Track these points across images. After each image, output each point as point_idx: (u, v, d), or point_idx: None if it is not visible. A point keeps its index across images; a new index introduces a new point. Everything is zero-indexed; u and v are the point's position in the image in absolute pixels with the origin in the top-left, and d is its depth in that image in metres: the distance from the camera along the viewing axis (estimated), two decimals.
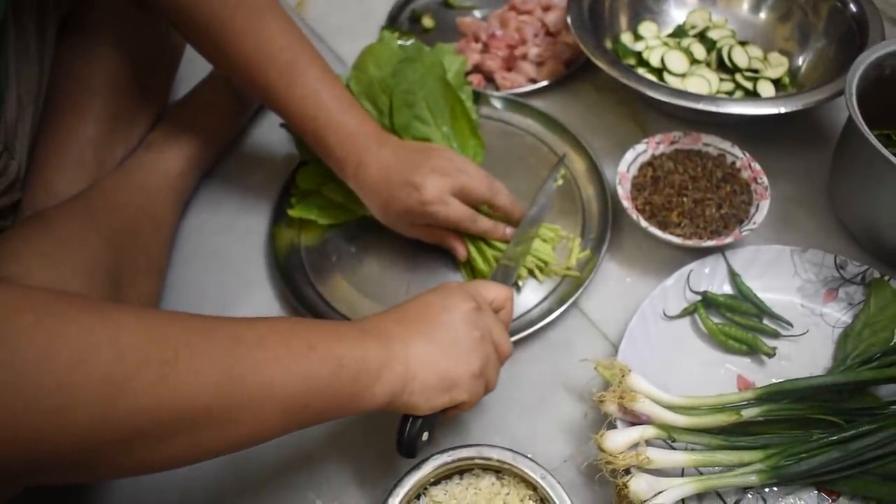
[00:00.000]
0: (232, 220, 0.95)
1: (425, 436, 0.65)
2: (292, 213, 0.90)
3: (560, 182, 0.94)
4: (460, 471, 0.69)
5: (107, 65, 0.87)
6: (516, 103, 1.03)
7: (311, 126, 0.80)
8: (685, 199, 0.86)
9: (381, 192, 0.81)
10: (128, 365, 0.44)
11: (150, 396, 0.45)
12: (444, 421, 0.73)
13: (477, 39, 1.11)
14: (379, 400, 0.59)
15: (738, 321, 0.81)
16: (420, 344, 0.62)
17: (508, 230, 0.85)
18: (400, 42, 0.93)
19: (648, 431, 0.70)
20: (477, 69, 1.08)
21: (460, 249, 0.85)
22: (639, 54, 1.04)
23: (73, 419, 0.42)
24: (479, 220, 0.83)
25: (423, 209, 0.79)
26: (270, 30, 0.78)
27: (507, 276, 0.81)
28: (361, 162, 0.80)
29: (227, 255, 0.92)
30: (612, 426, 0.71)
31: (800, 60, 1.04)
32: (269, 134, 1.02)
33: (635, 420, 0.72)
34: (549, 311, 0.82)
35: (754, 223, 0.83)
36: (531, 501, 0.67)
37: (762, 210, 0.84)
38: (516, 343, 0.80)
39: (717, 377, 0.79)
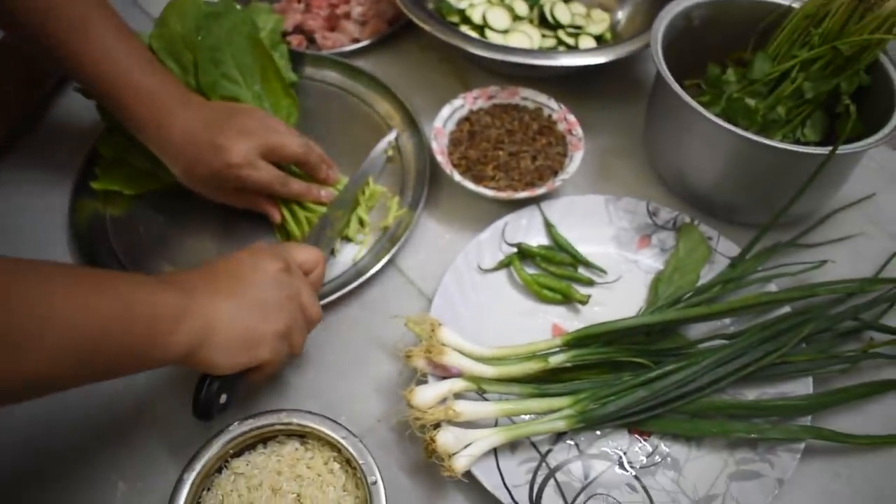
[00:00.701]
0: (32, 199, 0.88)
1: (224, 398, 0.63)
2: (96, 185, 0.84)
3: (390, 153, 0.91)
4: (264, 439, 0.67)
5: None
6: (337, 63, 1.00)
7: (106, 87, 0.75)
8: (500, 153, 0.86)
9: (185, 156, 0.76)
10: None
11: None
12: (248, 387, 0.70)
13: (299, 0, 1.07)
14: (175, 351, 0.57)
15: (554, 272, 0.81)
16: (224, 299, 0.60)
17: (323, 192, 0.83)
18: None
19: (457, 385, 0.69)
20: (298, 29, 1.04)
21: (274, 213, 0.82)
22: (462, 12, 1.02)
23: None
24: (290, 182, 0.80)
25: (230, 172, 0.76)
26: None
27: (321, 239, 0.79)
28: (163, 124, 0.76)
29: (24, 236, 0.85)
30: (422, 381, 0.70)
31: (619, 15, 1.06)
32: (77, 102, 0.95)
33: (447, 374, 0.71)
34: (366, 270, 0.80)
35: (567, 174, 0.83)
36: (335, 463, 0.65)
37: (575, 160, 0.85)
38: (332, 304, 0.78)
39: (534, 327, 0.79)
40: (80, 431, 0.71)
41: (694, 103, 0.78)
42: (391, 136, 0.91)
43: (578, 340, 0.73)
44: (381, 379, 0.75)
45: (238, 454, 0.66)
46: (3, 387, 0.47)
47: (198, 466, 0.63)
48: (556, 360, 0.71)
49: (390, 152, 0.92)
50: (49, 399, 0.51)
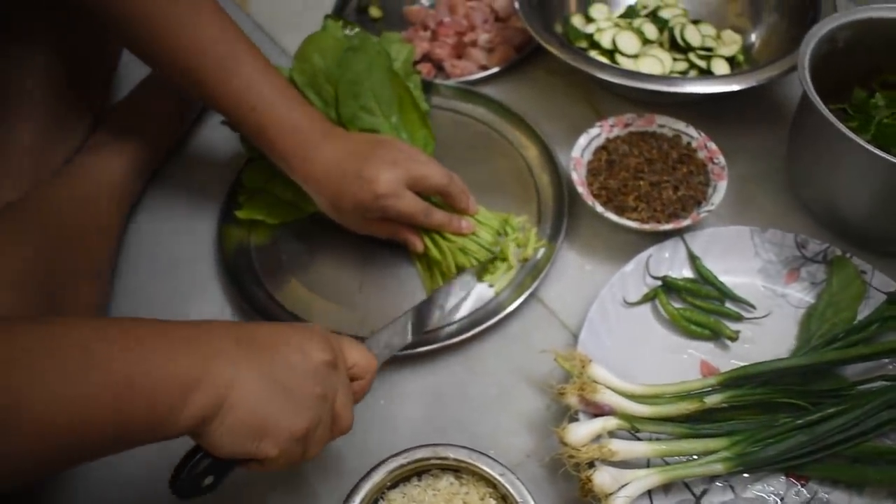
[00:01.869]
0: (180, 224, 0.92)
1: (209, 479, 0.56)
2: (240, 214, 0.87)
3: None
4: (418, 472, 0.67)
5: (38, 67, 0.83)
6: (466, 91, 1.00)
7: (250, 120, 0.77)
8: (641, 183, 0.84)
9: (329, 187, 0.78)
10: None
11: None
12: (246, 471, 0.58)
13: (425, 28, 1.08)
14: (186, 424, 0.49)
15: (700, 305, 0.79)
16: (248, 370, 0.52)
17: (464, 223, 0.83)
18: (345, 31, 0.90)
19: (611, 422, 0.68)
20: (426, 58, 1.05)
21: (416, 242, 0.83)
22: (590, 36, 1.01)
23: None
24: (433, 212, 0.80)
25: (377, 203, 0.76)
26: (203, 23, 0.75)
27: (385, 347, 0.71)
28: (307, 156, 0.77)
29: (175, 259, 0.89)
30: (574, 419, 0.69)
31: (753, 37, 1.03)
32: (216, 133, 0.99)
33: (598, 411, 0.70)
34: (508, 303, 0.80)
35: (712, 204, 0.81)
36: (492, 499, 0.65)
37: (720, 190, 0.83)
38: (476, 337, 0.78)
39: (680, 363, 0.77)
40: None
41: (846, 130, 0.75)
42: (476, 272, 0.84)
43: (733, 380, 0.71)
44: (528, 413, 0.75)
45: (393, 486, 0.66)
46: None
47: (357, 499, 0.63)
48: (712, 400, 0.69)
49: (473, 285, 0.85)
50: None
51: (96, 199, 0.83)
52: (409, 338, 0.73)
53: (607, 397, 0.68)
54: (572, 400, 0.69)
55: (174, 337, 0.50)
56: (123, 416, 0.46)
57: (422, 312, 0.75)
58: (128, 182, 0.87)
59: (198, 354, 0.50)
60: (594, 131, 0.88)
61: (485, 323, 0.78)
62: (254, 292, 0.83)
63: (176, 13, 0.73)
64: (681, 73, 0.99)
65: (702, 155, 0.87)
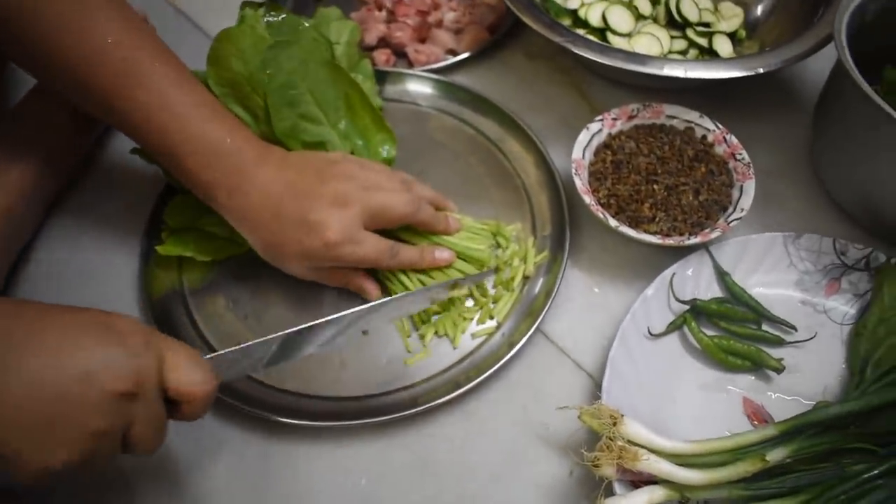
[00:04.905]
0: (93, 262, 0.74)
1: None
2: (162, 250, 0.69)
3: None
4: None
5: None
6: (433, 80, 0.85)
7: (162, 143, 0.60)
8: (656, 187, 0.71)
9: (267, 230, 0.62)
10: None
11: None
12: None
13: (380, 7, 0.92)
14: None
15: (735, 331, 0.67)
16: (9, 385, 0.42)
17: (439, 254, 0.68)
18: (267, 18, 0.71)
19: (657, 494, 0.56)
20: (384, 43, 0.89)
21: (372, 291, 0.68)
22: (574, 13, 0.87)
23: None
24: (399, 252, 0.66)
25: (329, 252, 0.61)
26: (97, 19, 0.58)
27: (232, 369, 0.57)
28: (235, 187, 0.61)
29: (90, 305, 0.70)
30: (608, 489, 0.56)
31: (758, 10, 0.90)
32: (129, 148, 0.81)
33: (637, 478, 0.57)
34: (509, 343, 0.65)
35: (742, 210, 0.69)
36: None
37: (748, 192, 0.70)
38: (474, 388, 0.63)
39: (721, 404, 0.64)
40: None
41: (891, 109, 0.63)
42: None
43: (797, 428, 0.58)
44: (548, 481, 0.61)
45: None
46: None
47: None
48: (774, 456, 0.57)
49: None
50: None
51: None
52: (264, 366, 0.58)
53: (654, 466, 0.55)
54: (609, 471, 0.55)
55: None
56: None
57: (294, 341, 0.59)
58: (11, 216, 0.69)
59: None
60: (595, 126, 0.74)
61: (485, 372, 0.63)
62: (190, 339, 0.66)
63: (60, 8, 0.56)
64: (680, 52, 0.86)
65: (721, 150, 0.74)
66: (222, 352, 0.55)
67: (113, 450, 0.46)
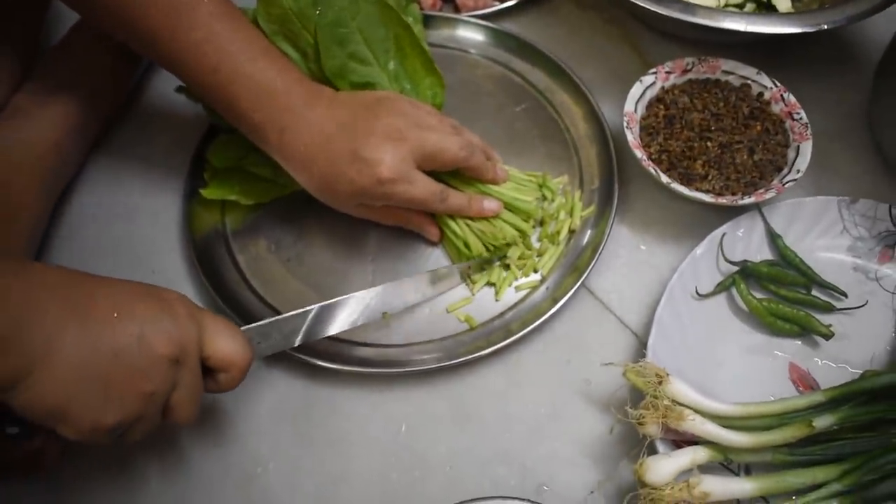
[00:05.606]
0: (136, 201, 0.74)
1: (13, 429, 0.48)
2: (206, 193, 0.69)
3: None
4: None
5: None
6: (481, 27, 0.83)
7: (212, 83, 0.59)
8: (709, 144, 0.69)
9: (319, 168, 0.61)
10: None
11: None
12: None
13: None
14: None
15: (785, 295, 0.66)
16: (70, 348, 0.43)
17: (487, 204, 0.67)
18: None
19: (700, 455, 0.55)
20: None
21: (431, 231, 0.68)
22: None
23: None
24: (448, 196, 0.65)
25: (380, 189, 0.60)
26: None
27: (268, 341, 0.58)
28: (286, 127, 0.60)
29: (133, 246, 0.71)
30: (650, 447, 0.55)
31: None
32: (172, 86, 0.80)
33: (680, 438, 0.57)
34: (553, 298, 0.65)
35: (798, 171, 0.67)
36: None
37: (804, 154, 0.68)
38: (517, 341, 0.63)
39: (767, 368, 0.64)
40: None
41: None
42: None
43: (845, 396, 0.57)
44: (588, 437, 0.61)
45: None
46: None
47: None
48: (821, 423, 0.56)
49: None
50: None
51: (10, 173, 0.65)
52: (300, 339, 0.59)
53: (698, 426, 0.55)
54: (653, 429, 0.55)
55: None
56: None
57: (331, 312, 0.60)
58: (58, 152, 0.69)
59: (12, 310, 0.42)
60: (648, 79, 0.72)
61: (529, 326, 0.63)
62: (236, 292, 0.66)
63: None
64: (736, 6, 0.83)
65: (777, 109, 0.71)
66: (256, 324, 0.56)
67: (157, 414, 0.48)
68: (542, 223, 0.69)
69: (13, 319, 0.42)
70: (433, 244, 0.70)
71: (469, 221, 0.67)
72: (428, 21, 0.82)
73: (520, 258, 0.68)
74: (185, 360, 0.48)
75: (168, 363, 0.47)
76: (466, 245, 0.66)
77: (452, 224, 0.67)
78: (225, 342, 0.51)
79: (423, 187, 0.62)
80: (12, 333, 0.41)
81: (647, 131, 0.71)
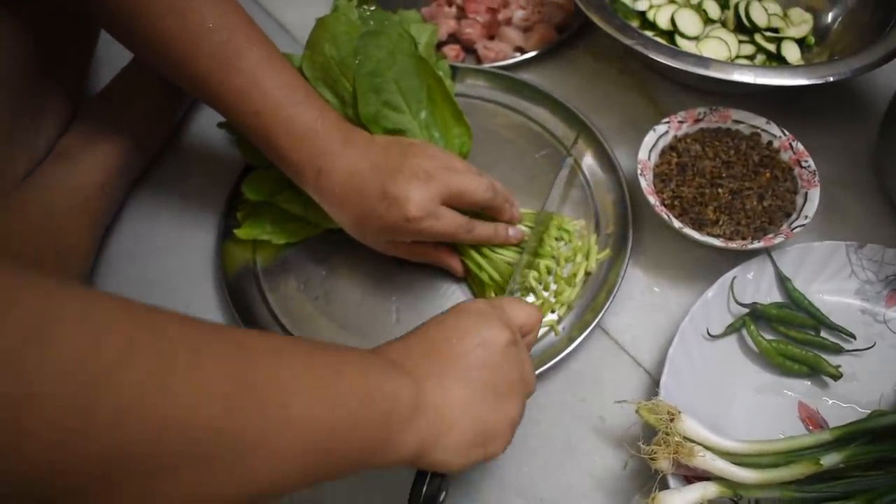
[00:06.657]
0: (171, 238, 0.78)
1: (443, 495, 0.54)
2: (240, 233, 0.73)
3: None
4: None
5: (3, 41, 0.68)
6: (502, 77, 0.87)
7: (255, 123, 0.63)
8: (720, 191, 0.72)
9: (352, 205, 0.64)
10: (106, 360, 0.30)
11: (142, 409, 0.31)
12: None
13: (451, 3, 0.94)
14: (407, 451, 0.46)
15: (794, 336, 0.68)
16: (456, 386, 0.49)
17: (511, 231, 0.70)
18: (359, 10, 0.75)
19: (710, 490, 0.57)
20: (453, 38, 0.91)
21: (456, 266, 0.71)
22: (642, 14, 0.88)
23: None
24: (475, 227, 0.68)
25: (409, 226, 0.63)
26: (198, 4, 0.60)
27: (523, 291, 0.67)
28: (323, 167, 0.64)
29: (167, 281, 0.75)
30: (663, 482, 0.58)
31: (829, 17, 0.90)
32: (210, 128, 0.84)
33: (691, 474, 0.59)
34: (569, 337, 0.68)
35: (806, 217, 0.69)
36: None
37: (812, 200, 0.71)
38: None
39: (776, 407, 0.66)
40: None
41: None
42: (569, 163, 0.78)
43: (852, 435, 0.59)
44: (601, 472, 0.63)
45: None
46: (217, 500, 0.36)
47: None
48: (829, 461, 0.58)
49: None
50: None
51: (60, 217, 0.69)
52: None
53: (709, 463, 0.57)
54: (664, 465, 0.57)
55: (381, 362, 0.48)
56: (363, 430, 0.43)
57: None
58: (104, 194, 0.73)
59: (411, 378, 0.47)
60: (661, 128, 0.75)
61: (548, 363, 0.65)
62: (266, 329, 0.70)
63: None
64: (747, 57, 0.86)
65: (786, 157, 0.74)
66: (511, 281, 0.66)
67: (524, 400, 0.54)
68: (558, 264, 0.72)
69: (415, 383, 0.47)
70: (454, 282, 0.73)
71: (491, 254, 0.70)
72: (452, 72, 0.86)
73: (537, 299, 0.71)
74: (516, 338, 0.53)
75: (511, 346, 0.52)
76: (491, 277, 0.69)
77: (476, 256, 0.70)
78: (520, 310, 0.56)
79: (450, 220, 0.65)
80: (418, 392, 0.47)
81: (661, 178, 0.74)
